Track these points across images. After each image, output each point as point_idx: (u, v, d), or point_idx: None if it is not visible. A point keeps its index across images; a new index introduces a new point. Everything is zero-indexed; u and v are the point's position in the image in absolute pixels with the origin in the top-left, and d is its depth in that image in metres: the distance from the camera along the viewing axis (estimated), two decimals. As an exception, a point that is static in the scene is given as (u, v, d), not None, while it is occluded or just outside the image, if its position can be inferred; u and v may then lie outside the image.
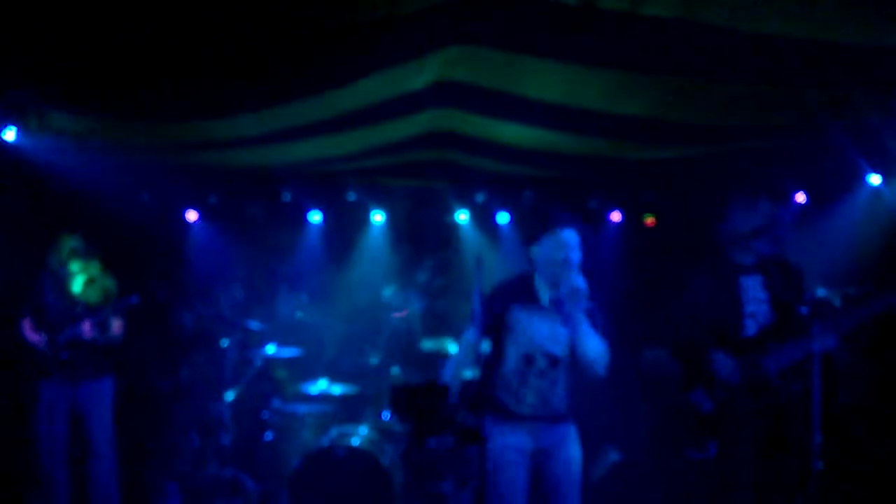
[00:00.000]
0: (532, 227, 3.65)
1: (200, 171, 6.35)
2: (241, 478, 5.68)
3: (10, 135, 4.96)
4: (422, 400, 3.70)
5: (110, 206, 5.89)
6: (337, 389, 5.69)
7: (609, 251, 7.40)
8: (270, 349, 5.83)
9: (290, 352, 5.94)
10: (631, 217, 7.38)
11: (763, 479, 3.87)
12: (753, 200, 3.95)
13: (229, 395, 5.69)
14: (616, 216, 7.41)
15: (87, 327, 4.92)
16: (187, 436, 5.79)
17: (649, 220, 7.34)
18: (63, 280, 5.11)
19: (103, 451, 5.03)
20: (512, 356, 3.55)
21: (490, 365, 3.61)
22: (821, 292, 3.84)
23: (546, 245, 3.51)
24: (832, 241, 6.04)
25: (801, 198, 6.49)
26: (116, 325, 5.09)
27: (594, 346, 3.43)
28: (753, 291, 3.94)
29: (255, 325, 5.88)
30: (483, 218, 7.37)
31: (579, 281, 3.35)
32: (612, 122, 4.87)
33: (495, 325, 3.57)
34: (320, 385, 5.69)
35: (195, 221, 7.15)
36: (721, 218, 4.08)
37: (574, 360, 3.52)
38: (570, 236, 3.49)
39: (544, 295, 3.59)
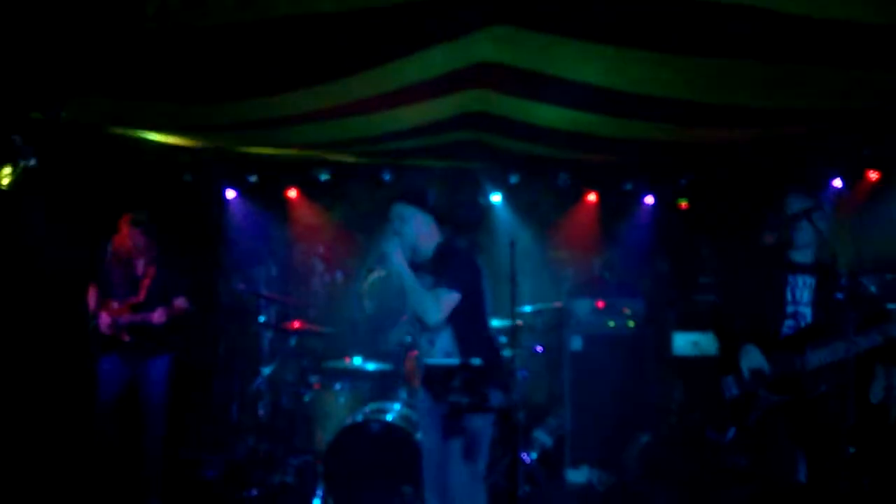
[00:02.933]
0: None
1: (238, 152, 6.42)
2: (278, 450, 5.82)
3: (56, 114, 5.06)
4: (455, 378, 3.78)
5: (156, 184, 5.99)
6: (371, 366, 5.79)
7: (643, 234, 7.42)
8: (306, 326, 5.93)
9: (325, 329, 6.04)
10: (665, 200, 7.37)
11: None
12: (803, 184, 3.96)
13: (266, 370, 5.81)
14: (650, 199, 7.41)
15: (158, 314, 5.06)
16: (226, 409, 5.93)
17: (683, 203, 7.33)
18: (128, 258, 5.22)
19: (156, 425, 5.17)
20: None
21: None
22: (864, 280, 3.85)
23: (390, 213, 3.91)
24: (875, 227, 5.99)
25: (838, 183, 6.43)
26: (179, 303, 5.23)
27: (414, 296, 3.71)
28: (800, 292, 3.95)
29: (291, 301, 5.98)
30: (517, 199, 7.40)
31: (386, 246, 3.73)
32: (650, 104, 4.86)
33: None
34: (355, 362, 5.79)
35: (233, 199, 7.25)
36: (769, 203, 4.08)
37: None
38: (394, 209, 3.88)
39: None
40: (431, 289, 3.72)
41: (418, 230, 3.83)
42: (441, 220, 3.96)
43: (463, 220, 3.90)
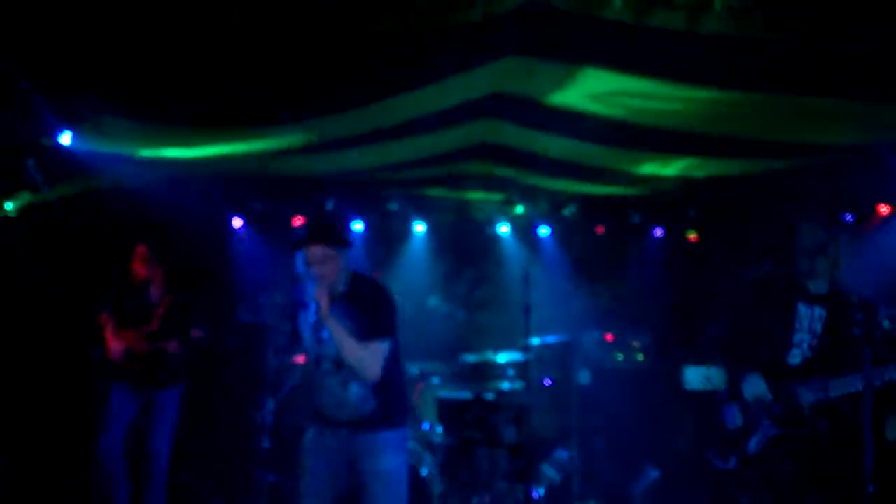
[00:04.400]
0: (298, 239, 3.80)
1: (246, 178, 6.44)
2: (284, 483, 5.75)
3: (65, 139, 5.07)
4: (469, 413, 3.74)
5: (163, 212, 6.00)
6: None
7: (651, 266, 7.41)
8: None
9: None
10: (674, 232, 7.37)
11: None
12: (818, 216, 3.96)
13: (271, 400, 5.75)
14: (658, 231, 7.42)
15: (173, 345, 5.02)
16: (230, 438, 5.86)
17: (692, 235, 7.34)
18: (142, 286, 5.18)
19: (161, 456, 5.10)
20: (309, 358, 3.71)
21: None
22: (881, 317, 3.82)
23: (300, 259, 3.66)
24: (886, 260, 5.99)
25: (849, 216, 6.44)
26: (195, 334, 5.16)
27: (351, 353, 3.48)
28: (809, 322, 3.93)
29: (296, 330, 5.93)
30: (524, 230, 7.40)
31: (309, 296, 3.48)
32: (663, 137, 4.87)
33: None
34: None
35: (239, 228, 7.25)
36: (783, 235, 4.08)
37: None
38: (310, 252, 3.60)
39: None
40: (354, 332, 3.51)
41: (337, 268, 3.60)
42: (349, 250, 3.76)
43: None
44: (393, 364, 3.65)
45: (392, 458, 3.62)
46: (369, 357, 3.49)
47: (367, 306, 3.59)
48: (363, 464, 3.59)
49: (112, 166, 5.52)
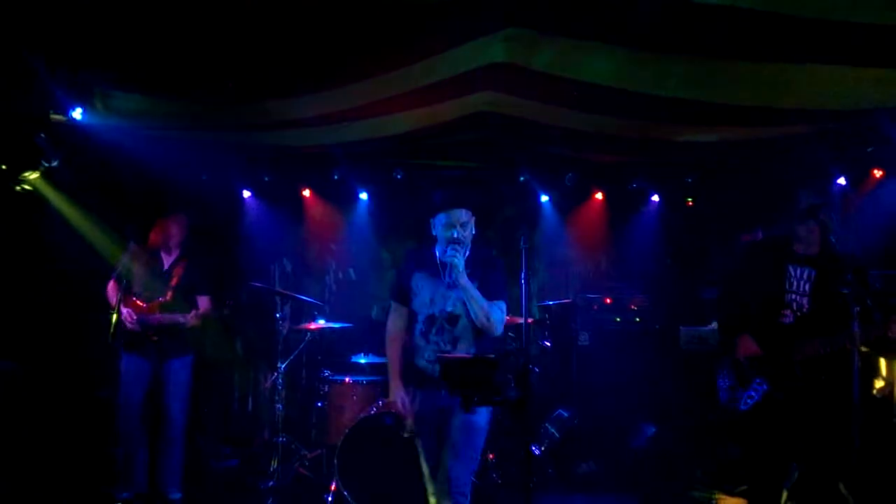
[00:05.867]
0: (432, 202, 3.94)
1: (255, 150, 6.53)
2: (294, 443, 5.94)
3: (76, 114, 5.16)
4: (471, 372, 3.89)
5: (176, 184, 6.09)
6: (384, 360, 5.88)
7: (649, 231, 7.51)
8: (321, 321, 6.06)
9: (339, 324, 6.16)
10: (671, 198, 7.45)
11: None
12: (815, 180, 4.05)
13: (282, 366, 5.93)
14: (656, 197, 7.51)
15: (188, 317, 5.12)
16: (243, 403, 6.01)
17: (689, 201, 7.42)
18: (156, 256, 5.29)
19: (177, 420, 5.21)
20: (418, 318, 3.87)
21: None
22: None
23: (439, 221, 3.82)
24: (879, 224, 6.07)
25: (843, 181, 6.51)
26: (204, 304, 5.30)
27: (483, 311, 3.69)
28: (799, 282, 4.05)
29: (305, 298, 6.10)
30: (526, 198, 7.51)
31: (452, 258, 3.63)
32: (660, 104, 4.94)
33: (403, 290, 3.92)
34: (368, 357, 5.90)
35: (248, 198, 7.39)
36: (779, 200, 4.17)
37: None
38: (456, 215, 3.78)
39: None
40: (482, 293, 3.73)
41: (471, 233, 3.84)
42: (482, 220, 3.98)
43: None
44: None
45: (483, 413, 3.84)
46: (498, 314, 3.73)
47: (488, 271, 3.82)
48: (455, 417, 3.77)
49: (123, 140, 5.62)
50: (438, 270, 3.82)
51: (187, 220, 5.36)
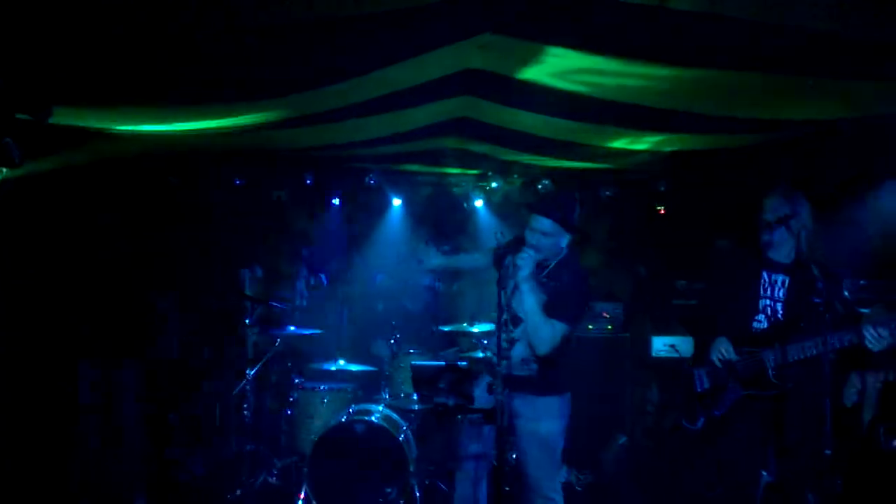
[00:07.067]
0: (533, 204, 4.10)
1: (225, 152, 6.46)
2: (263, 451, 5.87)
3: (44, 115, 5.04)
4: (442, 379, 3.87)
5: (140, 186, 6.01)
6: (355, 368, 5.85)
7: (621, 239, 7.53)
8: (291, 328, 6.00)
9: (310, 331, 6.10)
10: (643, 206, 7.49)
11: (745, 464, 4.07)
12: (782, 190, 4.08)
13: (251, 372, 5.86)
14: (628, 205, 7.53)
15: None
16: (211, 410, 5.95)
17: (661, 209, 7.47)
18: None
19: (133, 425, 5.19)
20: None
21: None
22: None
23: (529, 222, 3.92)
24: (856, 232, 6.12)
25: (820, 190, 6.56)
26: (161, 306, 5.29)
27: (532, 321, 3.75)
28: (773, 289, 4.08)
29: (276, 304, 6.04)
30: (498, 204, 7.50)
31: (521, 259, 3.71)
32: (631, 112, 4.96)
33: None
34: (339, 364, 5.85)
35: (219, 201, 7.27)
36: (748, 208, 4.20)
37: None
38: (538, 222, 3.86)
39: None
40: (543, 305, 3.75)
41: (554, 248, 3.90)
42: (576, 238, 4.00)
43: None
44: (563, 345, 3.85)
45: (546, 423, 3.88)
46: (547, 331, 3.73)
47: (562, 289, 3.85)
48: (520, 424, 3.84)
49: (89, 141, 5.53)
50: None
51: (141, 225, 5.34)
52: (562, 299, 3.82)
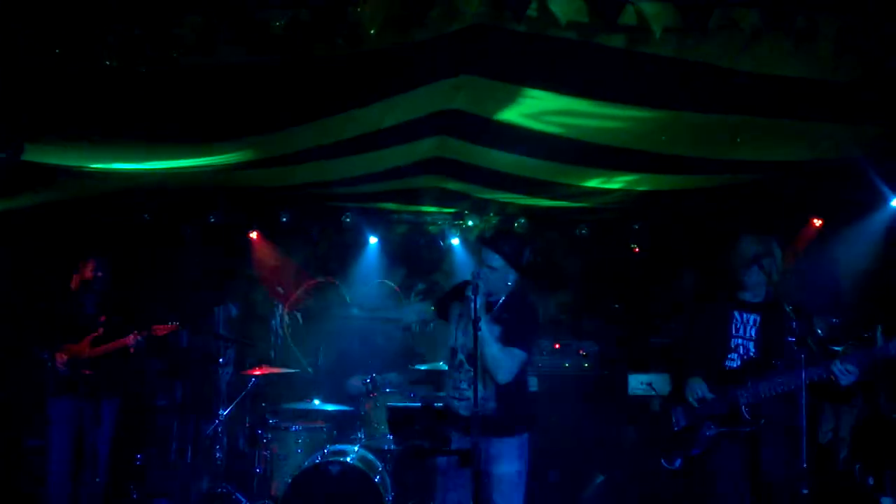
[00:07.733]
0: (486, 238, 4.20)
1: (200, 190, 6.43)
2: (235, 494, 5.75)
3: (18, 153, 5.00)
4: (418, 421, 3.85)
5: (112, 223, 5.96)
6: (330, 408, 5.78)
7: (597, 278, 7.58)
8: (265, 367, 5.92)
9: (284, 370, 6.03)
10: (619, 245, 7.54)
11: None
12: (753, 230, 4.14)
13: (224, 412, 5.77)
14: (604, 244, 7.58)
15: (131, 338, 5.06)
16: (182, 451, 5.85)
17: (636, 248, 7.53)
18: (83, 298, 5.22)
19: (101, 466, 5.09)
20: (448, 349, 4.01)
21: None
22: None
23: (481, 253, 4.03)
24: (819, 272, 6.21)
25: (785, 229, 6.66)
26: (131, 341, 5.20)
27: (491, 352, 3.79)
28: (744, 328, 4.11)
29: (250, 343, 5.98)
30: (474, 242, 7.51)
31: (470, 292, 3.73)
32: (605, 152, 5.02)
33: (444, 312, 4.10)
34: (314, 403, 5.78)
35: (193, 239, 7.22)
36: (720, 247, 4.25)
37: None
38: (488, 256, 3.95)
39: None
40: (498, 340, 3.81)
41: (502, 281, 3.95)
42: (523, 274, 4.04)
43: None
44: (521, 375, 3.93)
45: (508, 463, 3.85)
46: (506, 360, 3.80)
47: (516, 319, 3.92)
48: (483, 465, 3.75)
49: (63, 179, 5.49)
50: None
51: (106, 263, 5.28)
52: (517, 328, 3.92)
